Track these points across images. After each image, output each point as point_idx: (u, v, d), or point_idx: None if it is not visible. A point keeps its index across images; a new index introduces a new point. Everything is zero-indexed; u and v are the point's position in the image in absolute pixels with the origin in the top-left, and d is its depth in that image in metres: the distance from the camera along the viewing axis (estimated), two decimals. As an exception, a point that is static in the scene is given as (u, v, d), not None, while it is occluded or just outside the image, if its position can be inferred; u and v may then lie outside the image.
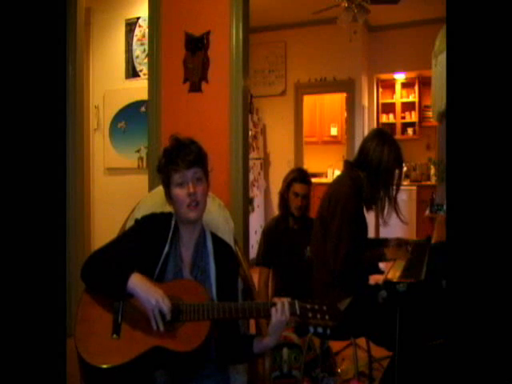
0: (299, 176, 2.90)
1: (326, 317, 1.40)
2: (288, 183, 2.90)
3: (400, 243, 2.33)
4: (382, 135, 2.26)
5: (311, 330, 1.41)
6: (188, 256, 1.61)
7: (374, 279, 2.29)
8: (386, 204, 2.24)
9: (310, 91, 6.51)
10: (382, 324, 2.02)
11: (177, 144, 1.58)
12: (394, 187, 2.26)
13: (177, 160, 1.53)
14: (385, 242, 2.37)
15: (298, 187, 2.86)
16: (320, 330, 1.40)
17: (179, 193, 1.54)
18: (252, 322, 1.84)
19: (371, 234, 6.19)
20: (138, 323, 1.41)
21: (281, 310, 1.41)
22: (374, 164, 2.18)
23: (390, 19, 6.14)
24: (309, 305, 1.43)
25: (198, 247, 1.62)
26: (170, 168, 1.55)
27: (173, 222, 1.61)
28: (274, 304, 1.43)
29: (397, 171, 2.25)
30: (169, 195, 1.59)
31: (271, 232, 3.00)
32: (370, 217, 6.74)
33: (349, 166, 2.33)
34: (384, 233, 6.42)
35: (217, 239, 1.68)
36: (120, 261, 1.49)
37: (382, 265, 2.35)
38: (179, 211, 1.57)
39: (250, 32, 2.88)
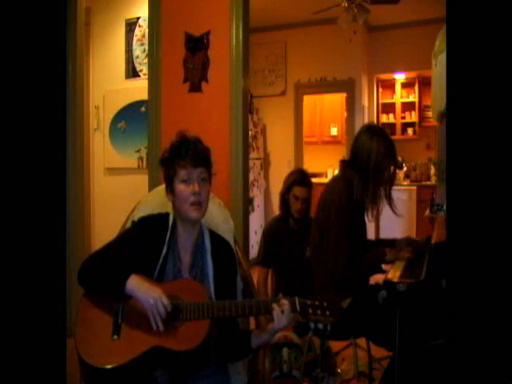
0: (299, 179, 2.88)
1: (327, 313, 1.41)
2: (288, 186, 2.90)
3: (410, 243, 2.30)
4: (371, 130, 2.20)
5: (312, 326, 1.41)
6: (186, 256, 1.60)
7: (374, 279, 2.28)
8: (380, 201, 2.17)
9: (310, 91, 6.51)
10: (382, 324, 2.02)
11: (185, 141, 1.57)
12: (387, 185, 2.18)
13: (185, 157, 1.53)
14: (394, 242, 2.34)
15: (298, 191, 2.85)
16: (321, 326, 1.40)
17: (183, 189, 1.53)
18: (251, 318, 1.84)
19: (371, 232, 6.22)
20: (137, 323, 1.41)
21: (278, 316, 1.42)
22: (364, 160, 2.12)
23: (389, 19, 6.14)
24: (309, 301, 1.43)
25: (196, 247, 1.62)
26: (176, 163, 1.54)
27: (170, 222, 1.60)
28: (275, 302, 1.43)
29: (391, 167, 2.17)
30: (171, 190, 1.57)
31: (271, 232, 3.00)
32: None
33: (344, 166, 2.29)
34: (384, 232, 6.43)
35: (215, 237, 1.68)
36: (118, 263, 1.48)
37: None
38: (181, 208, 1.55)
39: (250, 32, 2.88)
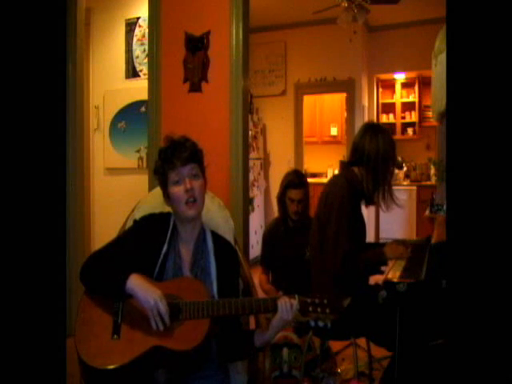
0: (293, 181, 2.88)
1: (327, 310, 1.41)
2: (283, 188, 2.91)
3: (398, 244, 2.33)
4: (373, 128, 2.27)
5: (312, 323, 1.41)
6: (188, 254, 1.61)
7: (374, 279, 2.29)
8: (386, 192, 2.25)
9: (310, 91, 6.51)
10: (382, 324, 2.02)
11: (171, 143, 1.59)
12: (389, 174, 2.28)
13: (172, 158, 1.54)
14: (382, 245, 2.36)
15: (292, 193, 2.85)
16: (321, 323, 1.40)
17: (176, 191, 1.54)
18: (251, 319, 1.84)
19: (371, 232, 6.22)
20: (137, 323, 1.41)
21: (286, 308, 1.42)
22: (373, 157, 2.18)
23: (390, 19, 6.14)
24: (309, 299, 1.44)
25: (197, 245, 1.62)
26: (166, 167, 1.56)
27: (171, 222, 1.61)
28: (277, 299, 1.44)
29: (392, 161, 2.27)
30: (167, 196, 1.59)
31: (271, 234, 3.01)
32: (371, 214, 6.69)
33: (344, 166, 2.34)
34: (384, 232, 6.43)
35: (217, 237, 1.68)
36: (119, 262, 1.49)
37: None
38: (178, 210, 1.57)
39: (250, 32, 2.88)
